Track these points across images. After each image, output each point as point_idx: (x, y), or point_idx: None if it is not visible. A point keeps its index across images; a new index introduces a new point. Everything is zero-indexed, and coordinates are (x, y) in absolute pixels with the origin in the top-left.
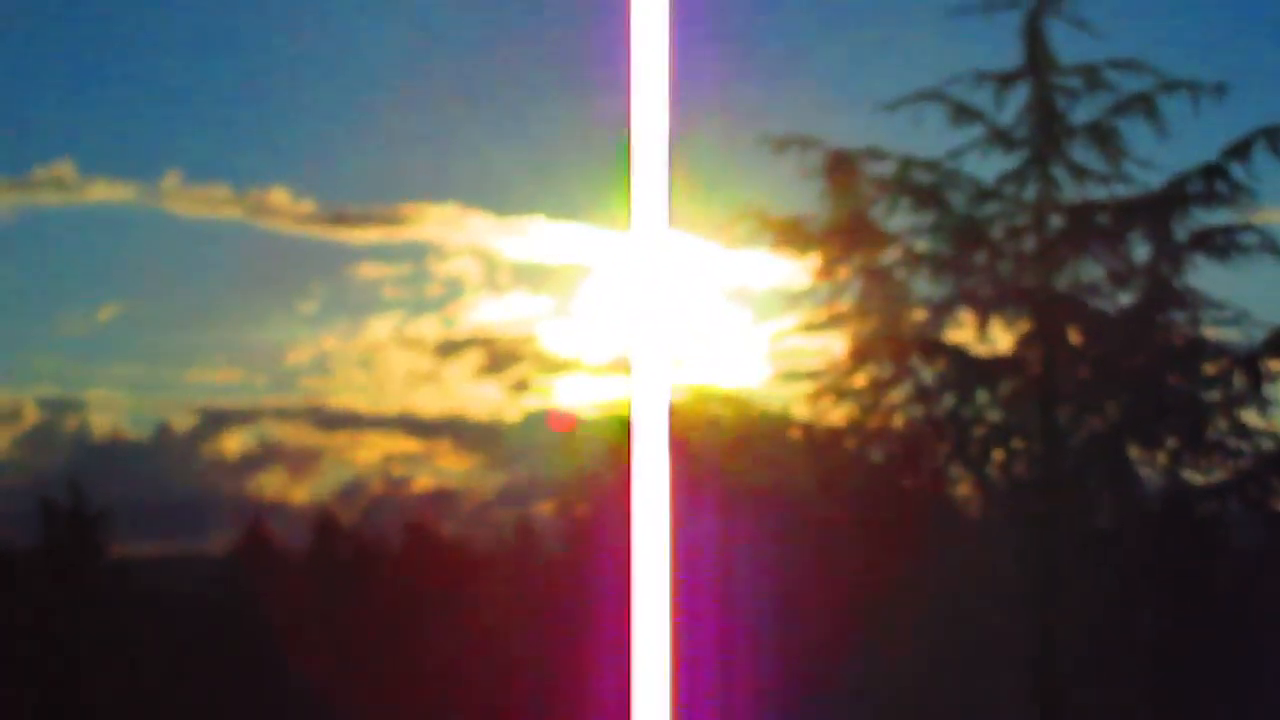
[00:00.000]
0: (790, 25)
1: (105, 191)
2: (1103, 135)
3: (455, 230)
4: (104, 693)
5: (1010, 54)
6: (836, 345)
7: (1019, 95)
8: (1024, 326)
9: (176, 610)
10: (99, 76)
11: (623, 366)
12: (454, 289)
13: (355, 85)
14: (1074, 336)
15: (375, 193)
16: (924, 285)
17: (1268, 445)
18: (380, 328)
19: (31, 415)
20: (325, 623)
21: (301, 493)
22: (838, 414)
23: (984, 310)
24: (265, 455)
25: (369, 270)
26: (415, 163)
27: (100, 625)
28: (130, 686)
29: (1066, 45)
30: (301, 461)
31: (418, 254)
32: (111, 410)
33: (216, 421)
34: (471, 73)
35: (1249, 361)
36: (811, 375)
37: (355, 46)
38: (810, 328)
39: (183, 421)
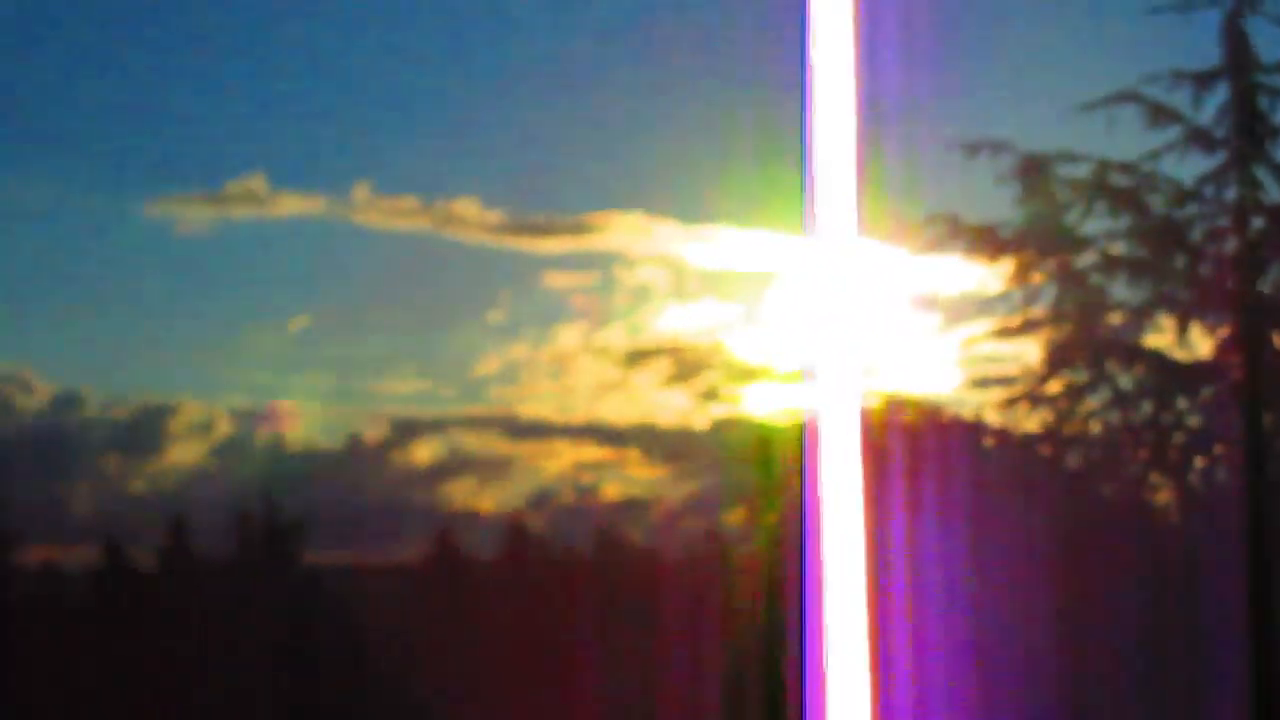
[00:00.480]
0: (980, 25)
1: (295, 204)
2: None
3: (642, 238)
4: (296, 700)
5: (1209, 53)
6: (1030, 351)
7: (1218, 95)
8: (1225, 331)
9: (368, 618)
10: (287, 89)
11: (812, 374)
12: (641, 297)
13: (541, 93)
14: (1277, 340)
15: (562, 202)
16: (1121, 289)
17: None
18: (568, 336)
19: (224, 426)
20: (515, 631)
21: (490, 502)
22: (1033, 421)
23: (1184, 314)
24: (455, 464)
25: (556, 279)
26: (601, 171)
27: (293, 634)
28: (321, 695)
29: (1268, 44)
30: (490, 470)
31: (605, 263)
32: (303, 421)
33: (406, 431)
34: (655, 79)
35: None
36: (1005, 381)
37: (540, 54)
38: (1003, 333)
39: (373, 431)
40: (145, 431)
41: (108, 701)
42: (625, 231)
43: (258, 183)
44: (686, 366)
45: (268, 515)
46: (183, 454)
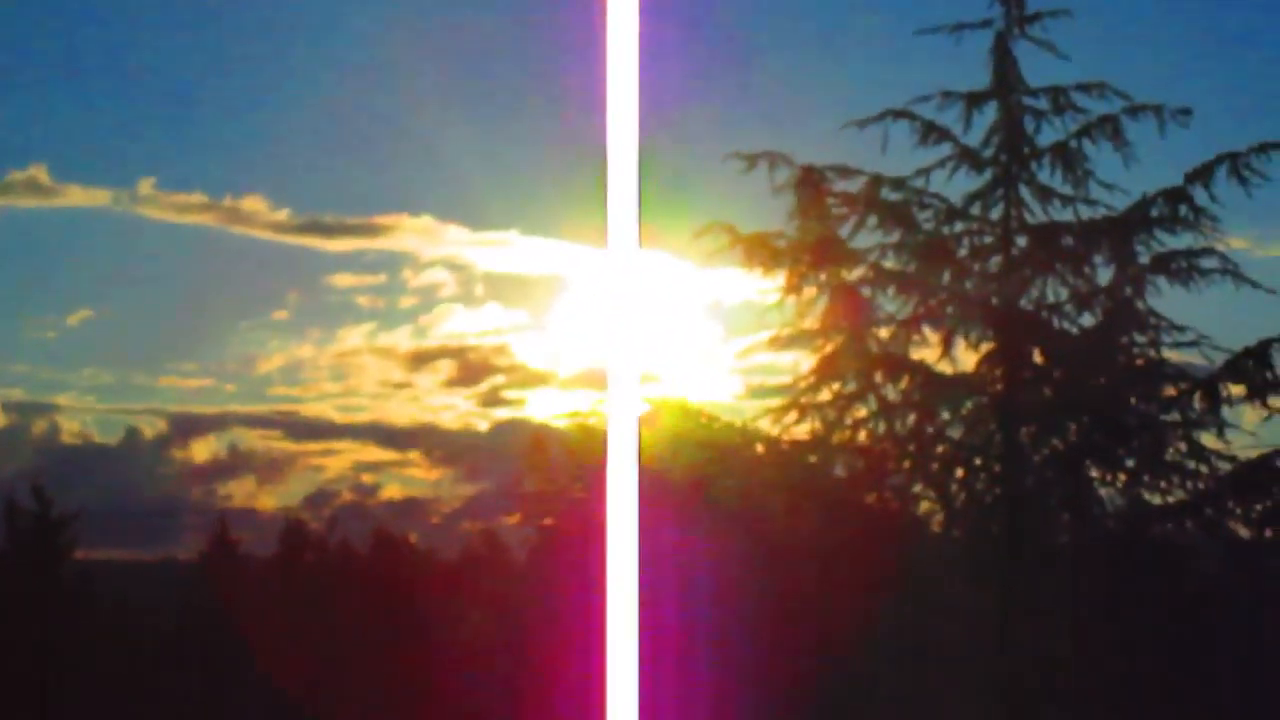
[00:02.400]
0: (761, 42)
1: (80, 196)
2: (1068, 157)
3: (430, 242)
4: (62, 696)
5: (979, 74)
6: (804, 361)
7: (987, 115)
8: (987, 345)
9: (139, 616)
10: (73, 80)
11: (594, 379)
12: (428, 300)
13: (333, 95)
14: (1037, 356)
15: (351, 203)
16: (890, 302)
17: (1225, 467)
18: (353, 337)
19: None
20: (291, 630)
21: (270, 500)
22: (802, 429)
23: (948, 328)
24: (235, 463)
25: (343, 280)
26: (392, 174)
27: (61, 630)
28: (90, 691)
29: (1034, 67)
30: (271, 469)
31: (393, 264)
32: (80, 415)
33: (186, 428)
34: (448, 86)
35: (1208, 385)
36: (778, 390)
37: (335, 58)
38: (777, 343)
39: (152, 428)
40: None
41: None
42: (414, 234)
43: (40, 173)
44: (471, 369)
45: (39, 509)
46: None
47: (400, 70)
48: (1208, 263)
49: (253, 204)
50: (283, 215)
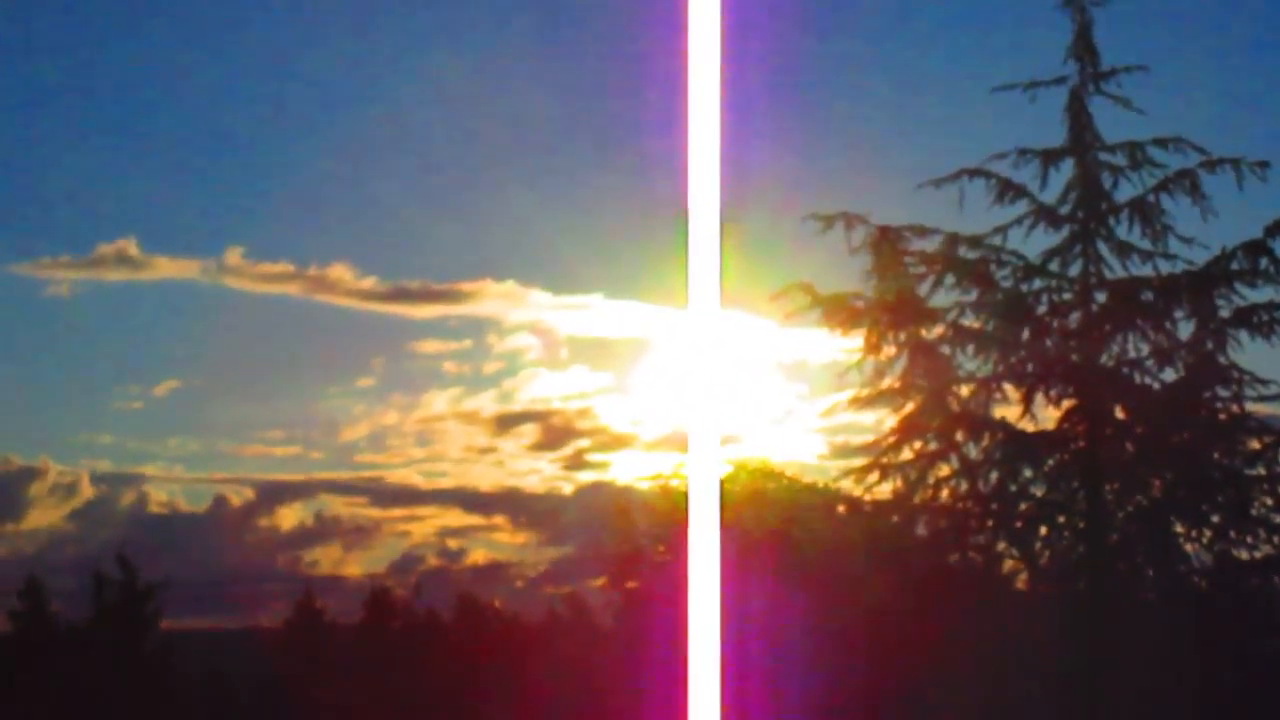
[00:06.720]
0: (837, 103)
1: (169, 267)
2: (1146, 212)
3: (514, 306)
4: None
5: (1055, 131)
6: (885, 420)
7: (1064, 172)
8: (1069, 402)
9: (225, 684)
10: (159, 154)
11: (676, 441)
12: (512, 365)
13: (417, 164)
14: (1119, 412)
15: (436, 269)
16: (969, 361)
17: None
18: (438, 402)
19: (87, 489)
20: (377, 696)
21: (356, 567)
22: (884, 489)
23: (1029, 386)
24: (321, 530)
25: (428, 346)
26: (476, 240)
27: (147, 699)
28: None
29: (1110, 123)
30: (357, 536)
31: (477, 330)
32: (168, 485)
33: (273, 496)
34: (529, 150)
35: None
36: (860, 450)
37: (416, 127)
38: (858, 403)
39: (239, 496)
40: (5, 494)
41: None
42: (497, 299)
43: (129, 245)
44: (555, 433)
45: (126, 579)
46: (43, 517)
47: (480, 136)
48: None
49: (338, 272)
50: (368, 283)
